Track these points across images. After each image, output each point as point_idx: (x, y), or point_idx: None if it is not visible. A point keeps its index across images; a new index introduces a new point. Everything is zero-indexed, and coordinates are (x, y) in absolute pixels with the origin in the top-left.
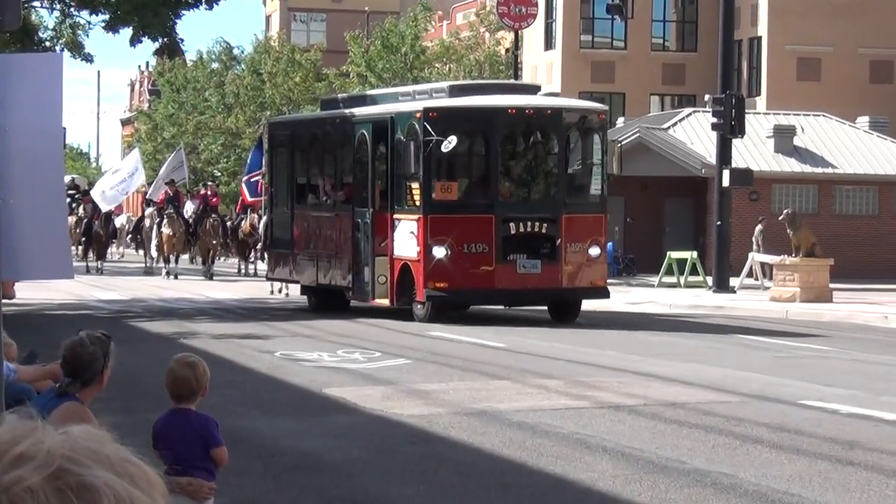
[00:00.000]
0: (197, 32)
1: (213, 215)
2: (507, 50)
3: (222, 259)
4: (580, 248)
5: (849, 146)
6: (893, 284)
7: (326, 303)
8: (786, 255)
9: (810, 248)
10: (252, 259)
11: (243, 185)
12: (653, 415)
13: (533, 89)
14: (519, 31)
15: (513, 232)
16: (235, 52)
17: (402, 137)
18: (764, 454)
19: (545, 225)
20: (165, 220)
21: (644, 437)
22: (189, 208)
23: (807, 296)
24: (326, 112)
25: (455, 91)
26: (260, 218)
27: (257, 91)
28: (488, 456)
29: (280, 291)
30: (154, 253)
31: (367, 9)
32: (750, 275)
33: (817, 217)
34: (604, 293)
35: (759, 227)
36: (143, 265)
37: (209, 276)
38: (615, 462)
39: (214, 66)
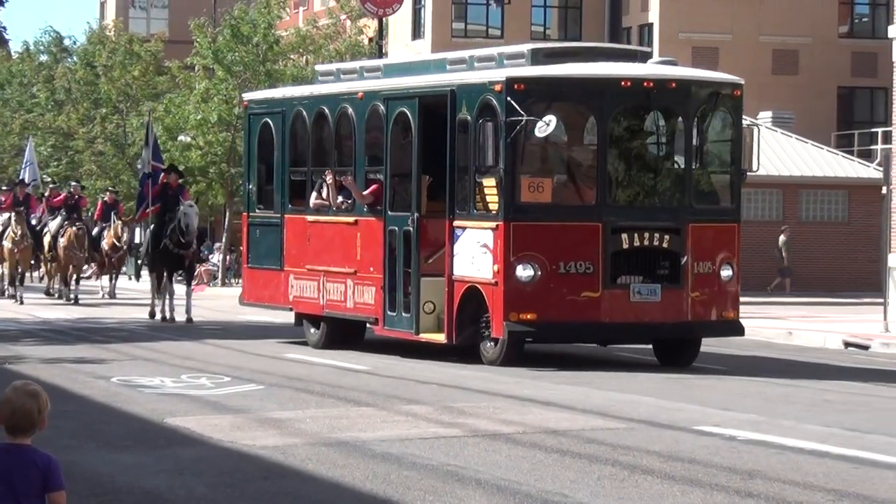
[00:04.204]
0: (22, 21)
1: (79, 223)
2: (370, 39)
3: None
4: (709, 268)
5: None
6: (799, 297)
7: (337, 336)
8: None
9: None
10: (114, 277)
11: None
12: (531, 443)
13: (642, 55)
14: (384, 19)
15: (625, 246)
16: (66, 42)
17: (469, 118)
18: (654, 486)
19: (667, 237)
20: (9, 230)
21: (522, 467)
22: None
23: None
24: (339, 85)
25: (539, 56)
26: (126, 228)
27: (91, 86)
28: (349, 491)
29: (163, 319)
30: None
31: None
32: None
33: None
34: (737, 329)
35: (782, 238)
36: None
37: (74, 298)
38: (490, 496)
39: (43, 58)
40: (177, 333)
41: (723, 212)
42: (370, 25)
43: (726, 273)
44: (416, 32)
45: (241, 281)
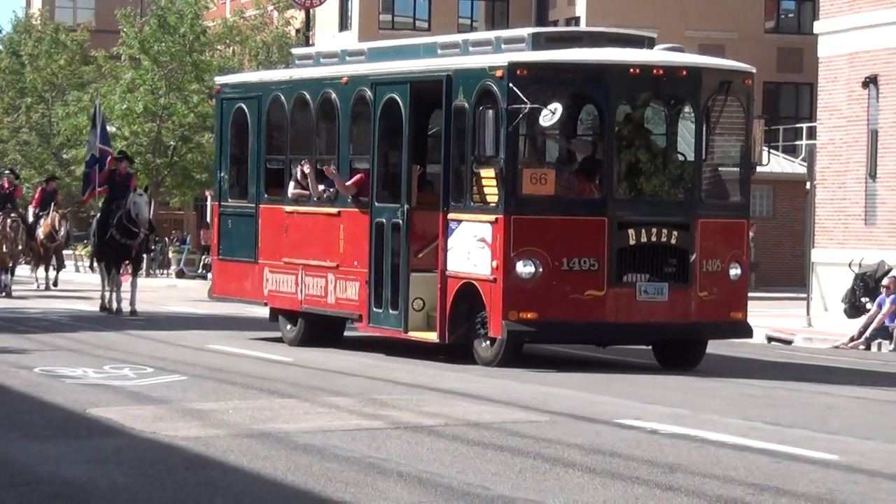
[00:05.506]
0: None
1: (13, 214)
2: (297, 31)
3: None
4: (718, 266)
5: None
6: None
7: (316, 333)
8: None
9: None
10: (54, 268)
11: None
12: (454, 436)
13: (648, 41)
14: (310, 10)
15: (632, 242)
16: None
17: (466, 105)
18: (575, 478)
19: (675, 233)
20: None
21: (444, 460)
22: None
23: None
24: (321, 69)
25: (541, 41)
26: (64, 218)
27: (16, 75)
28: (271, 482)
29: (109, 311)
30: None
31: None
32: None
33: None
34: (745, 330)
35: (750, 233)
36: None
37: (7, 291)
38: (411, 488)
39: None
40: (101, 324)
41: (732, 207)
42: (297, 17)
43: (735, 272)
44: (343, 24)
45: (166, 272)
